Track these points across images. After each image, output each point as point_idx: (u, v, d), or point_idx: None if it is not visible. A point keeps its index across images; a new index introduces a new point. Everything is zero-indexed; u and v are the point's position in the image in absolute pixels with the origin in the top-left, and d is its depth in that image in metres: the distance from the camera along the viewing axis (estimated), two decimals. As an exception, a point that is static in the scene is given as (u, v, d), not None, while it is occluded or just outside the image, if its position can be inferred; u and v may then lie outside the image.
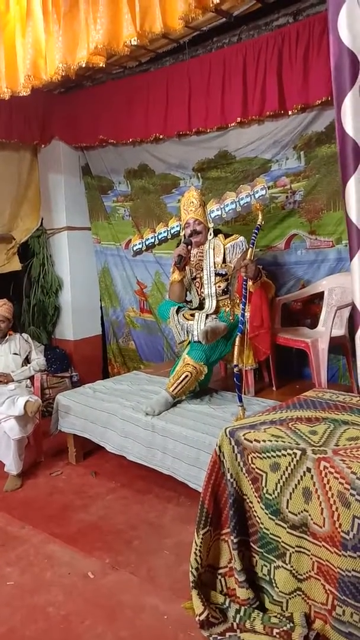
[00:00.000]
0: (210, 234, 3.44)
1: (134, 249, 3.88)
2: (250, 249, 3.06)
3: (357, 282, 1.54)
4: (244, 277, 3.02)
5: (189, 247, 3.38)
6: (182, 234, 3.52)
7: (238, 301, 3.24)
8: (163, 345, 4.75)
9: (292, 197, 3.64)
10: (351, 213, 1.50)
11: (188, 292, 3.53)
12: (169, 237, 3.71)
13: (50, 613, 2.20)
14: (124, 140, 4.28)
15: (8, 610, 2.23)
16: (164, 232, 3.73)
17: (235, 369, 2.83)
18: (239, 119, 3.52)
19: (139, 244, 3.85)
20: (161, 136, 4.02)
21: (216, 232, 3.46)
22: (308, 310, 3.73)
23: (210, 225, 3.44)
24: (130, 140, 4.23)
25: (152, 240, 3.76)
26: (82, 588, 2.35)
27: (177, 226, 3.64)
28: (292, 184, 3.62)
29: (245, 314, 2.97)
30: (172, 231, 3.68)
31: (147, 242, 3.81)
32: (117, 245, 4.87)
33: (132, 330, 4.97)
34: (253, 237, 3.08)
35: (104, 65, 2.93)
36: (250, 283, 3.04)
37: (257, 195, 3.27)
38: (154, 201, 4.45)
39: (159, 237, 3.75)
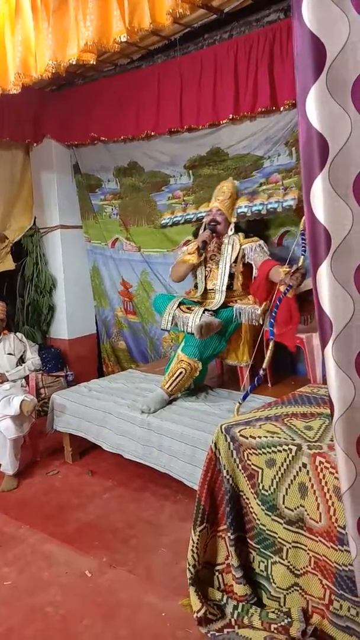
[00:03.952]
0: (231, 229, 3.43)
1: (162, 222, 3.93)
2: (302, 257, 3.02)
3: (326, 290, 1.38)
4: (289, 286, 2.95)
5: (213, 234, 3.41)
6: (204, 220, 3.53)
7: (254, 298, 3.34)
8: (147, 347, 4.75)
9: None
10: (319, 214, 1.35)
11: (194, 276, 3.55)
12: (194, 219, 3.72)
13: (49, 613, 2.20)
14: (116, 138, 4.26)
15: (6, 610, 2.23)
16: (192, 214, 3.76)
17: (262, 372, 2.70)
18: (231, 116, 3.51)
19: (168, 219, 3.88)
20: (152, 133, 4.01)
21: (237, 229, 3.46)
22: (302, 307, 3.73)
23: (233, 219, 3.43)
24: (122, 137, 4.22)
25: (179, 218, 3.80)
26: (80, 587, 2.35)
27: (204, 212, 3.65)
28: (284, 180, 3.62)
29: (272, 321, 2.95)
30: (199, 215, 3.70)
31: (174, 219, 3.83)
32: (104, 245, 4.86)
33: (121, 330, 4.98)
34: (303, 245, 3.03)
35: (94, 63, 2.92)
36: (291, 291, 3.01)
37: (284, 204, 3.29)
38: (144, 199, 4.43)
39: (186, 217, 3.78)
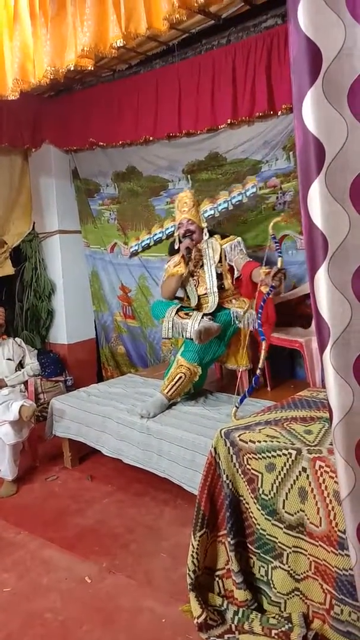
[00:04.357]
0: (206, 234, 3.45)
1: (131, 250, 3.91)
2: (280, 259, 3.03)
3: (324, 295, 1.36)
4: (272, 287, 2.94)
5: (193, 242, 3.41)
6: (176, 234, 3.53)
7: (244, 298, 3.37)
8: (146, 351, 4.75)
9: (282, 198, 3.65)
10: (316, 219, 1.34)
11: (183, 289, 3.55)
12: (164, 237, 3.72)
13: (48, 619, 2.19)
14: (114, 143, 4.27)
15: (6, 617, 2.22)
16: (159, 233, 3.75)
17: (258, 372, 2.84)
18: (229, 120, 3.53)
19: (135, 245, 3.87)
20: (151, 138, 4.02)
21: (211, 233, 3.48)
22: (300, 310, 3.73)
23: (204, 225, 3.45)
24: (120, 142, 4.23)
25: (148, 241, 3.79)
26: (80, 593, 2.34)
27: (171, 227, 3.66)
28: (282, 184, 3.63)
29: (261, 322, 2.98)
30: (167, 232, 3.69)
31: (142, 244, 3.83)
32: (103, 249, 4.87)
33: (121, 335, 4.98)
34: (277, 248, 3.10)
35: (92, 68, 2.92)
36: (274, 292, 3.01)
37: (248, 193, 3.30)
38: (142, 204, 4.43)
39: (154, 238, 3.78)
